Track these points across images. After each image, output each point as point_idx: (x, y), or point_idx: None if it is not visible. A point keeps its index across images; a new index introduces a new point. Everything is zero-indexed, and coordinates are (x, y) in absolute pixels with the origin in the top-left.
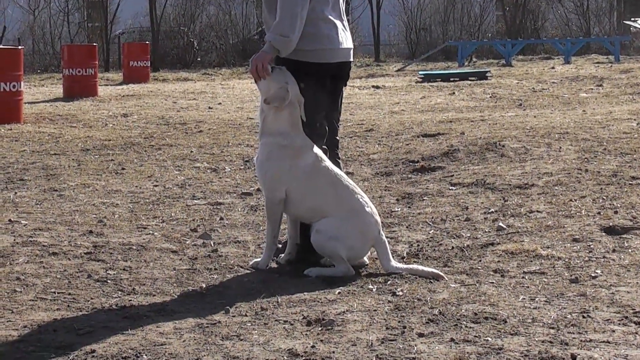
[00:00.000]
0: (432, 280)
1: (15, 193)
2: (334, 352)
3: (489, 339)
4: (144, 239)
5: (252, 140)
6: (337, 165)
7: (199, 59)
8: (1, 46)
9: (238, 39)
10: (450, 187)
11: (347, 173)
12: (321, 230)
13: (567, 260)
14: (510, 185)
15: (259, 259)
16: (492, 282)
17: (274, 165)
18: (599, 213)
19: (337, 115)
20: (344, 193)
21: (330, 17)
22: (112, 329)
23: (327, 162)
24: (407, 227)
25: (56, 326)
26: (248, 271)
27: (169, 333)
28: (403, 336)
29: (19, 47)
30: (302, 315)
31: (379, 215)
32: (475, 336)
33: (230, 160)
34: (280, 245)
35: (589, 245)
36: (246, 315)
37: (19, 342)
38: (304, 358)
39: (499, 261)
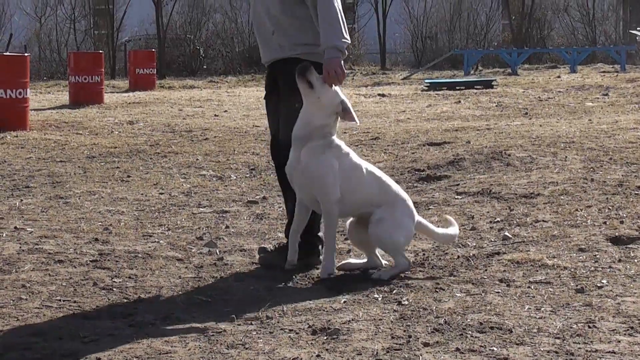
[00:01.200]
0: (437, 290)
1: (21, 200)
2: None
3: (495, 348)
4: (149, 246)
5: (258, 148)
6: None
7: (205, 67)
8: (8, 53)
9: (244, 47)
10: (456, 196)
11: None
12: (383, 218)
13: (572, 270)
14: (516, 194)
15: (323, 268)
16: (498, 292)
17: (326, 167)
18: (604, 223)
19: None
20: (385, 182)
21: None
22: (117, 337)
23: (358, 157)
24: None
25: (62, 334)
26: (253, 279)
27: (174, 341)
28: (408, 345)
29: (26, 54)
30: (308, 324)
31: None
32: (480, 346)
33: (236, 168)
34: (272, 248)
35: (595, 255)
36: (251, 324)
37: (24, 350)
38: None
39: (504, 271)
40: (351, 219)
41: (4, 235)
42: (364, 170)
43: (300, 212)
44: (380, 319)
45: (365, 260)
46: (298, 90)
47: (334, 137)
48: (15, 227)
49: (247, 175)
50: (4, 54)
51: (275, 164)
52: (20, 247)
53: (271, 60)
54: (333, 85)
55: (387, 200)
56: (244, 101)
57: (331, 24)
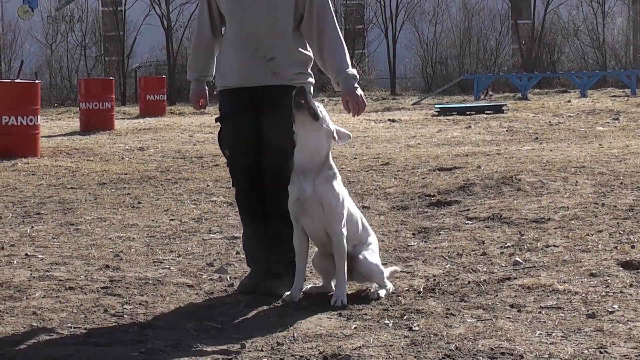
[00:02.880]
0: (448, 315)
1: (32, 227)
2: None
3: None
4: (160, 273)
5: None
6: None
7: (215, 93)
8: (19, 80)
9: None
10: (467, 221)
11: (363, 207)
12: (367, 255)
13: (584, 295)
14: (526, 219)
15: (336, 297)
16: (509, 317)
17: (340, 197)
18: (616, 247)
19: None
20: (363, 220)
21: None
22: None
23: None
24: (423, 262)
25: None
26: (264, 305)
27: None
28: None
29: (36, 81)
30: (318, 350)
31: (395, 249)
32: None
33: None
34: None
35: (606, 280)
36: (262, 350)
37: None
38: None
39: (515, 296)
40: (317, 249)
41: (15, 262)
42: (352, 204)
43: (303, 247)
44: (391, 345)
45: (321, 284)
46: (292, 117)
47: (334, 166)
48: (26, 254)
49: None
50: (15, 81)
51: (244, 189)
52: (31, 274)
53: (256, 84)
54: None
55: (364, 239)
56: None
57: (344, 52)
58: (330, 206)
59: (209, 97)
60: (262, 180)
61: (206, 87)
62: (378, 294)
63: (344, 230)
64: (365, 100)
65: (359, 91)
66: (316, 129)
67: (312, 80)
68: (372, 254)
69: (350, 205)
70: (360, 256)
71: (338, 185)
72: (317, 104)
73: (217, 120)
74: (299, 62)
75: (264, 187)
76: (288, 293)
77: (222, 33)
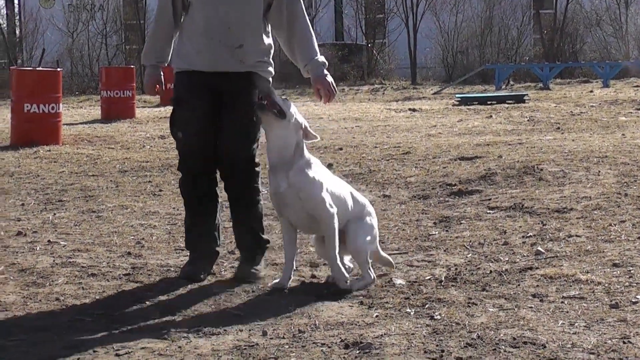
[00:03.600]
0: (470, 305)
1: (54, 214)
2: None
3: None
4: (181, 260)
5: None
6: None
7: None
8: (40, 68)
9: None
10: (488, 211)
11: (384, 196)
12: (359, 233)
13: (606, 285)
14: (548, 209)
15: (341, 285)
16: (531, 307)
17: (319, 183)
18: (639, 237)
19: None
20: (355, 193)
21: None
22: (150, 350)
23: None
24: (444, 251)
25: (95, 347)
26: (286, 293)
27: (207, 355)
28: None
29: (58, 69)
30: (340, 338)
31: (417, 238)
32: None
33: (266, 182)
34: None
35: (629, 270)
36: (284, 338)
37: None
38: None
39: (537, 286)
40: (314, 235)
41: (38, 248)
42: (338, 183)
43: (291, 239)
44: (413, 334)
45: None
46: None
47: (307, 153)
48: (49, 241)
49: None
50: (37, 69)
51: (193, 173)
52: (53, 261)
53: (220, 70)
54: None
55: (358, 212)
56: None
57: (313, 40)
58: (309, 195)
59: (164, 83)
60: (212, 165)
61: (161, 73)
62: (351, 286)
63: (333, 210)
64: (335, 87)
65: (329, 78)
66: (284, 127)
67: (272, 70)
68: (362, 234)
69: (334, 185)
70: (351, 234)
71: (314, 171)
72: (283, 97)
73: (172, 101)
74: (263, 50)
75: (213, 172)
76: (276, 281)
77: (181, 20)
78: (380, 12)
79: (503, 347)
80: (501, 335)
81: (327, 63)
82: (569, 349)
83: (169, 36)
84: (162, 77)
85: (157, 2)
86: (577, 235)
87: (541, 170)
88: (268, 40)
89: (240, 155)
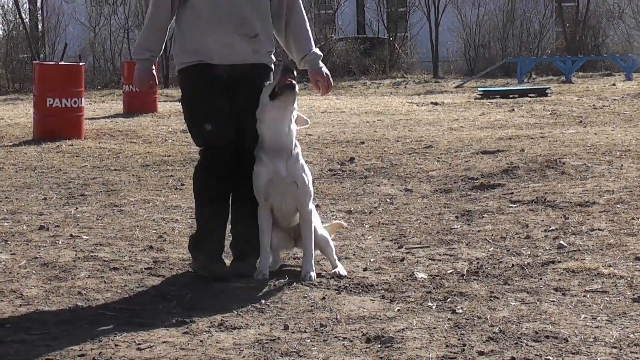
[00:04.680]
0: (492, 298)
1: (77, 208)
2: None
3: (550, 358)
4: None
5: (311, 156)
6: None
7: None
8: (63, 62)
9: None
10: (510, 205)
11: (407, 190)
12: (317, 226)
13: (629, 278)
14: (571, 203)
15: (305, 275)
16: (553, 301)
17: (308, 174)
18: None
19: None
20: None
21: None
22: (172, 344)
23: None
24: (466, 245)
25: (117, 341)
26: (307, 287)
27: (228, 349)
28: (463, 354)
29: (80, 63)
30: (362, 332)
31: (438, 232)
32: (536, 355)
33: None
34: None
35: None
36: (305, 332)
37: (80, 357)
38: None
39: (559, 279)
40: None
41: (60, 242)
42: None
43: (269, 226)
44: (435, 328)
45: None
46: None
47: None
48: (71, 235)
49: None
50: (59, 63)
51: (220, 165)
52: (75, 255)
53: (239, 62)
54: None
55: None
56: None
57: (309, 32)
58: (304, 184)
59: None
60: (234, 159)
61: (154, 67)
62: (339, 273)
63: (313, 208)
64: (331, 79)
65: (325, 69)
66: (290, 108)
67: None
68: (320, 226)
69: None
70: (313, 229)
71: (303, 161)
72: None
73: (186, 97)
74: (272, 41)
75: (233, 166)
76: (262, 271)
77: (175, 12)
78: (402, 6)
79: (525, 341)
80: (523, 329)
81: (322, 55)
82: (591, 343)
83: (165, 28)
84: (155, 70)
85: None
86: (599, 229)
87: (563, 163)
88: (273, 31)
89: (252, 150)
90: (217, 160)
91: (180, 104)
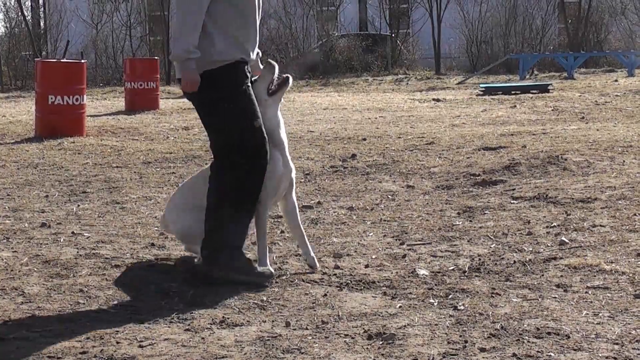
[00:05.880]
0: (493, 295)
1: (78, 205)
2: None
3: (552, 354)
4: None
5: (313, 153)
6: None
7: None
8: (65, 60)
9: (298, 52)
10: (512, 201)
11: (408, 187)
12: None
13: (631, 275)
14: (572, 199)
15: (311, 260)
16: (555, 297)
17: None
18: None
19: None
20: None
21: None
22: (174, 341)
23: None
24: (468, 241)
25: (119, 338)
26: (309, 284)
27: (230, 346)
28: (464, 351)
29: (82, 60)
30: (363, 329)
31: (440, 228)
32: (537, 351)
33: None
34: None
35: None
36: (307, 329)
37: (82, 354)
38: None
39: (561, 276)
40: None
41: (62, 240)
42: None
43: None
44: (436, 324)
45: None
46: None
47: None
48: (73, 232)
49: (302, 180)
50: (61, 60)
51: (261, 173)
52: (77, 252)
53: (254, 57)
54: None
55: None
56: (298, 106)
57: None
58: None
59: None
60: None
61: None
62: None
63: None
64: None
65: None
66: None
67: None
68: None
69: None
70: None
71: None
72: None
73: (223, 97)
74: None
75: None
76: (268, 269)
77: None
78: (404, 2)
79: (527, 337)
80: (525, 325)
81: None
82: (593, 339)
83: (200, 27)
84: None
85: None
86: (601, 225)
87: (565, 160)
88: None
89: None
90: (263, 158)
91: (202, 103)
